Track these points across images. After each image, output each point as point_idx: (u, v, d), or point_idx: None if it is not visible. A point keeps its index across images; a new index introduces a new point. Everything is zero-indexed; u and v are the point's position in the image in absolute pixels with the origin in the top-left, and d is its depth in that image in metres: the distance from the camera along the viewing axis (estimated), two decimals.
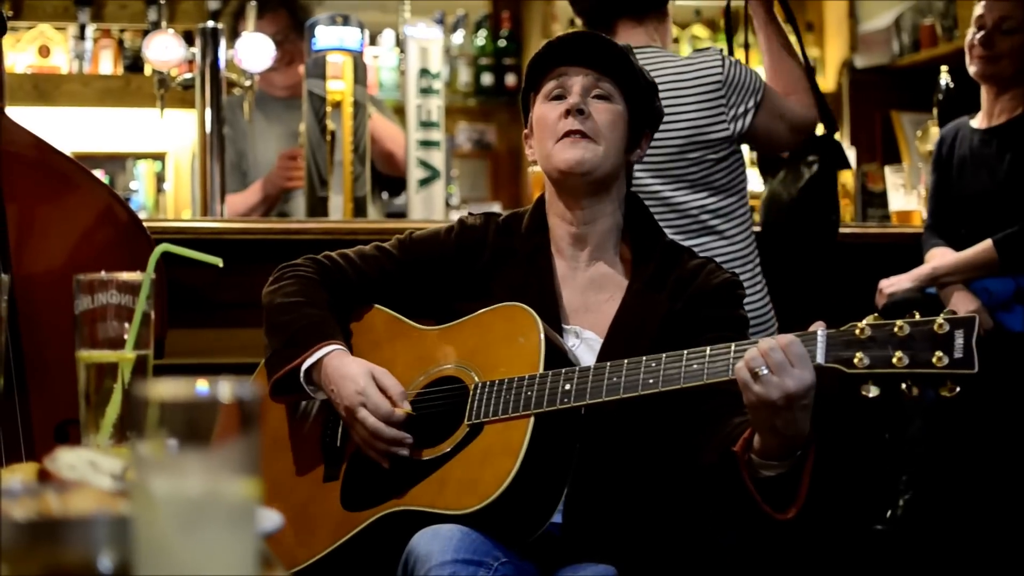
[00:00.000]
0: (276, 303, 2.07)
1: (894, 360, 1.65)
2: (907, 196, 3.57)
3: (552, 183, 2.07)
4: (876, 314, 1.72)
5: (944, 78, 3.75)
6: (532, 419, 1.85)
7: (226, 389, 0.82)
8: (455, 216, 3.25)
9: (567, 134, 1.99)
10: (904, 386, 1.66)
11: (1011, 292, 3.00)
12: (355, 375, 1.95)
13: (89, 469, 1.05)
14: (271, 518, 1.14)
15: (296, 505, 2.01)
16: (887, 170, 3.66)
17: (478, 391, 1.93)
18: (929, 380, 1.65)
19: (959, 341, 1.63)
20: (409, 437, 1.94)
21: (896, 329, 1.66)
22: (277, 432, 2.11)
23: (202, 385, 0.82)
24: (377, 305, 2.13)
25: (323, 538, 1.97)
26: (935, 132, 3.63)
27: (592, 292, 2.05)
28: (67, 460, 1.06)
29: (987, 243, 3.00)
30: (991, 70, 3.12)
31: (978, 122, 3.20)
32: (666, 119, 2.68)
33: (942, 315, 1.65)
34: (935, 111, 3.78)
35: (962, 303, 2.97)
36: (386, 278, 2.12)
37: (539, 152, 2.06)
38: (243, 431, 0.82)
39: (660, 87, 2.73)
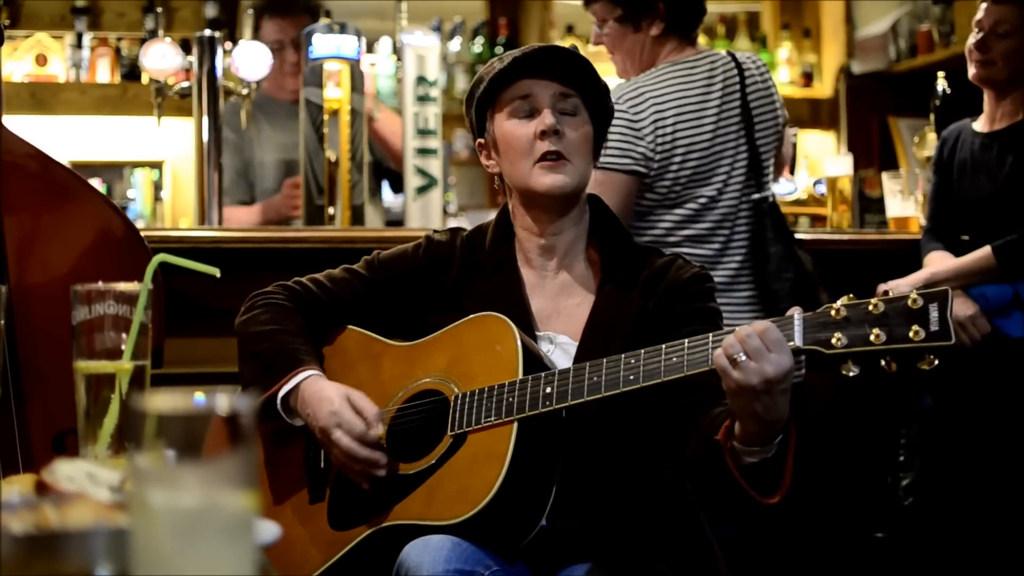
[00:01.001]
0: (250, 332, 2.08)
1: (871, 338, 1.66)
2: (904, 202, 3.57)
3: (523, 198, 2.06)
4: (850, 294, 1.73)
5: (941, 84, 3.75)
6: (516, 424, 1.85)
7: (224, 401, 0.82)
8: (452, 223, 3.25)
9: (544, 157, 1.99)
10: (883, 363, 1.67)
11: (1009, 298, 3.00)
12: (330, 397, 1.96)
13: (87, 481, 1.05)
14: (269, 529, 1.14)
15: (284, 528, 2.00)
16: (884, 176, 3.65)
17: (459, 402, 1.93)
18: (908, 355, 1.66)
19: (934, 314, 1.64)
20: (384, 458, 1.95)
21: (871, 307, 1.68)
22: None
23: (200, 396, 0.82)
24: (351, 326, 2.13)
25: (314, 559, 1.97)
26: (932, 138, 3.62)
27: (563, 298, 2.05)
28: (65, 472, 1.06)
29: (986, 250, 3.00)
30: (986, 73, 3.13)
31: (980, 125, 3.19)
32: (780, 128, 2.91)
33: (914, 291, 1.66)
34: (932, 116, 3.78)
35: (959, 308, 2.97)
36: (358, 299, 2.12)
37: (509, 170, 2.05)
38: (241, 443, 0.82)
39: (777, 97, 2.94)
